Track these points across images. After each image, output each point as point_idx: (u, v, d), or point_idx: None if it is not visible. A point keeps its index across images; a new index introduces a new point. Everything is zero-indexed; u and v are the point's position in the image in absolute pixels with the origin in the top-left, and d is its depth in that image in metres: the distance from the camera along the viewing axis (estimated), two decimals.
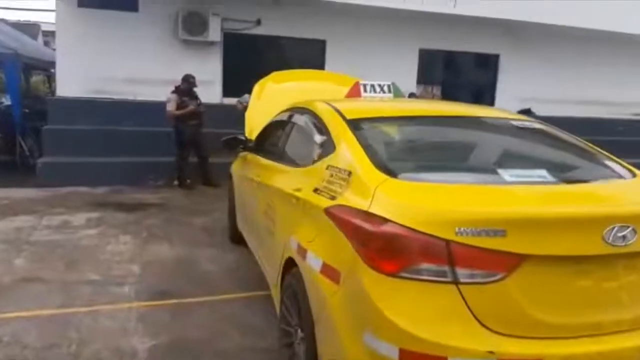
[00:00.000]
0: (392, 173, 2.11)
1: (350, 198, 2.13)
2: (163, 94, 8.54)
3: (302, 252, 2.38)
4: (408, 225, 1.81)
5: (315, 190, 2.48)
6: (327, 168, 2.50)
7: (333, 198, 2.25)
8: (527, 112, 9.56)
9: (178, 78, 8.52)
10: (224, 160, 8.45)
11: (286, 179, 3.03)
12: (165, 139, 8.15)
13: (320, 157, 2.69)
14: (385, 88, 3.89)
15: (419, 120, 2.87)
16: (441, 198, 1.94)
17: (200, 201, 7.05)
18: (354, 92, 3.86)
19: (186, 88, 7.78)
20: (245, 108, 8.95)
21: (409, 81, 10.36)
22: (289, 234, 2.68)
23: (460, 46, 10.91)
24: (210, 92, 9.12)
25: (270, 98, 5.11)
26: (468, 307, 1.75)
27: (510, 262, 1.76)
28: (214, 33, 9.12)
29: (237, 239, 4.97)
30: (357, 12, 9.58)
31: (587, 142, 2.84)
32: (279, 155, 3.50)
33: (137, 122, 8.62)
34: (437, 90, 11.10)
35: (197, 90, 8.03)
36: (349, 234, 1.99)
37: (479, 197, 1.98)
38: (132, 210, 6.37)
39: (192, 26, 8.98)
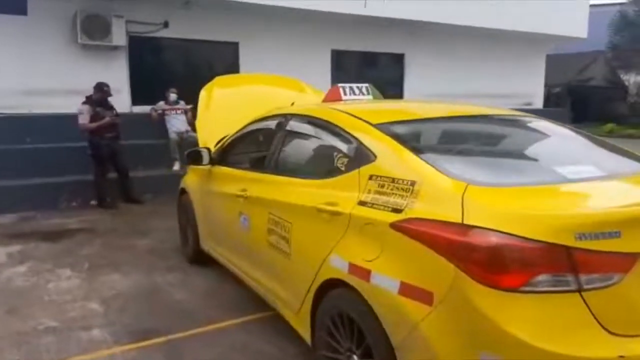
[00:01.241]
0: (464, 179, 2.01)
1: (428, 210, 1.99)
2: (64, 105, 7.77)
3: (361, 272, 2.19)
4: (522, 235, 1.72)
5: (362, 203, 2.30)
6: (370, 178, 2.33)
7: (398, 211, 2.10)
8: None
9: (80, 87, 7.76)
10: (146, 174, 7.90)
11: (302, 192, 2.79)
12: (74, 155, 7.37)
13: (351, 166, 2.51)
14: (364, 90, 3.80)
15: (446, 122, 2.81)
16: (542, 203, 1.88)
17: (131, 221, 6.42)
18: (333, 96, 3.70)
19: (100, 98, 7.06)
20: (160, 116, 8.44)
21: (323, 81, 10.33)
22: (324, 252, 2.47)
23: (369, 46, 11.19)
24: (117, 100, 8.32)
25: (222, 106, 4.80)
26: (592, 314, 1.71)
27: (626, 262, 1.74)
28: (118, 37, 8.40)
29: (199, 260, 4.59)
30: (269, 14, 9.38)
31: (589, 135, 2.97)
32: (273, 167, 3.24)
33: (38, 138, 7.69)
34: None
35: None
36: (444, 250, 1.85)
37: (574, 198, 1.95)
38: (57, 239, 5.62)
39: (92, 29, 8.19)
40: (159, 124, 8.50)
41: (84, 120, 6.88)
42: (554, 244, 1.70)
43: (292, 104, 4.65)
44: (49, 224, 6.32)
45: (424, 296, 1.91)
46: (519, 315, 1.71)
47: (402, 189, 2.14)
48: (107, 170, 7.17)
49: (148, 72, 9.15)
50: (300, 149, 3.20)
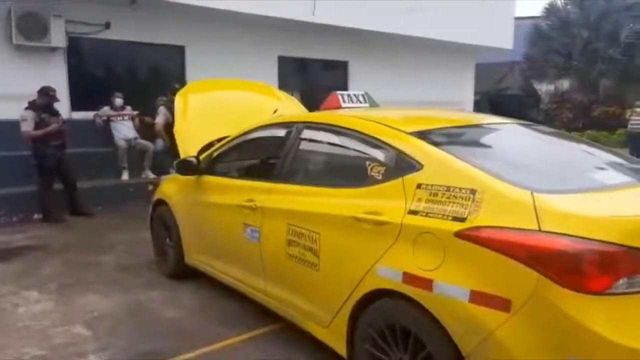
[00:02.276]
0: (527, 187, 2.06)
1: (496, 218, 2.02)
2: None
3: (421, 281, 2.18)
4: (605, 239, 1.80)
5: (413, 212, 2.30)
6: (418, 187, 2.34)
7: (460, 220, 2.11)
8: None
9: (13, 91, 7.20)
10: (92, 185, 7.41)
11: (329, 202, 2.74)
12: (11, 165, 6.80)
13: (390, 175, 2.50)
14: (361, 98, 3.82)
15: (475, 129, 2.87)
16: (609, 208, 1.97)
17: (85, 236, 5.98)
18: (332, 103, 3.68)
19: (44, 103, 6.53)
20: (105, 122, 7.95)
21: None
22: (367, 263, 2.44)
23: (315, 53, 11.24)
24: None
25: (199, 112, 4.62)
26: None
27: None
28: (57, 37, 7.83)
29: (181, 275, 4.38)
30: (216, 18, 9.15)
31: (588, 141, 3.17)
32: (288, 176, 3.15)
33: None
34: (297, 95, 11.25)
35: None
36: (524, 257, 1.88)
37: (629, 202, 2.06)
38: (7, 258, 5.13)
39: (29, 29, 7.57)
40: (103, 131, 8.01)
41: (27, 127, 6.34)
42: (633, 247, 1.79)
43: (275, 111, 4.59)
44: None
45: (500, 303, 1.94)
46: (605, 317, 1.78)
47: (461, 198, 2.16)
48: (52, 181, 6.64)
49: (89, 75, 8.63)
50: (322, 158, 3.14)
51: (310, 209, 2.84)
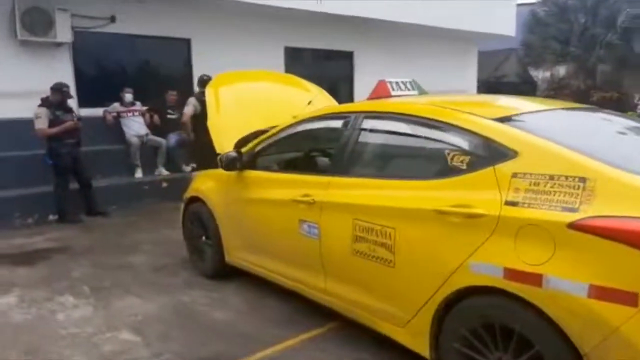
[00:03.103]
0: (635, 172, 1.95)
1: (616, 208, 1.90)
2: (1, 109, 6.89)
3: (528, 277, 2.06)
4: None
5: (512, 203, 2.17)
6: (514, 176, 2.21)
7: (571, 210, 1.99)
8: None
9: (18, 89, 6.97)
10: (106, 183, 7.20)
11: (405, 195, 2.60)
12: (23, 165, 6.59)
13: (478, 165, 2.36)
14: (409, 85, 3.68)
15: (558, 114, 2.75)
16: None
17: (107, 237, 5.80)
18: (381, 91, 3.55)
19: (58, 100, 6.31)
20: (115, 119, 7.73)
21: None
22: (456, 259, 2.32)
23: (320, 44, 11.06)
24: None
25: (232, 105, 4.44)
26: None
27: None
28: (63, 32, 7.57)
29: (220, 274, 4.23)
30: (222, 9, 8.95)
31: None
32: (350, 170, 3.01)
33: None
34: None
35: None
36: None
37: None
38: (31, 261, 4.94)
39: (34, 24, 7.30)
40: (113, 127, 7.80)
41: (42, 124, 6.12)
42: None
43: (309, 102, 4.44)
44: (10, 244, 5.54)
45: (625, 297, 1.82)
46: None
47: (569, 187, 2.04)
48: (68, 180, 6.43)
49: (95, 71, 8.41)
50: (389, 149, 2.99)
51: (381, 203, 2.70)
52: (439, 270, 2.40)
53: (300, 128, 3.50)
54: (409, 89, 3.63)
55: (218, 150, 4.18)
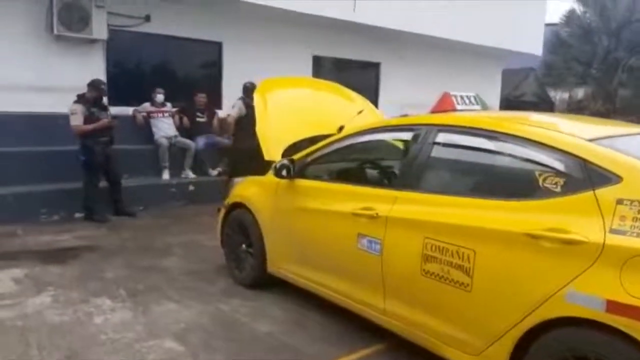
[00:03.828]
0: None
1: None
2: (33, 103, 6.87)
3: (635, 311, 1.92)
4: None
5: (618, 232, 2.04)
6: (620, 203, 2.07)
7: None
8: (404, 117, 10.06)
9: (52, 83, 6.93)
10: (134, 183, 7.10)
11: (487, 215, 2.47)
12: (52, 161, 6.54)
13: (574, 187, 2.23)
14: (473, 99, 3.57)
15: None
16: None
17: (137, 237, 5.69)
18: (446, 104, 3.44)
19: (94, 96, 6.23)
20: (145, 119, 7.65)
21: None
22: (549, 287, 2.18)
23: (348, 54, 10.99)
24: None
25: (280, 111, 4.36)
26: None
27: None
28: (99, 29, 7.51)
29: (260, 284, 4.10)
30: (254, 14, 8.87)
31: None
32: (422, 185, 2.87)
33: (5, 141, 6.66)
34: None
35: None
36: None
37: None
38: (61, 259, 4.83)
39: (71, 20, 7.25)
40: (143, 127, 7.72)
41: (77, 121, 6.04)
42: None
43: (360, 112, 4.34)
44: (38, 241, 5.44)
45: None
46: None
47: None
48: (99, 178, 6.34)
49: (127, 69, 8.34)
50: (468, 166, 2.86)
51: (458, 222, 2.57)
52: (525, 297, 2.26)
53: (360, 139, 3.38)
54: (472, 103, 3.51)
55: (266, 157, 4.07)
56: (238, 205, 4.28)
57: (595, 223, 2.11)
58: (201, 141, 7.87)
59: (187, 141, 7.77)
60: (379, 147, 3.55)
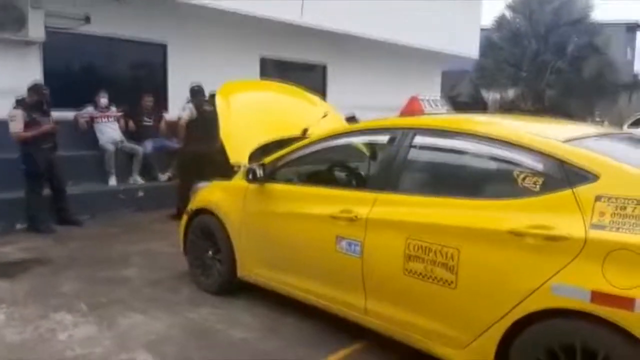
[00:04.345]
0: None
1: None
2: None
3: (618, 300, 2.04)
4: None
5: (598, 227, 2.16)
6: (598, 200, 2.20)
7: None
8: (352, 118, 10.17)
9: None
10: (78, 191, 6.74)
11: (469, 214, 2.55)
12: None
13: (553, 186, 2.35)
14: (438, 103, 3.67)
15: (617, 138, 2.78)
16: None
17: (87, 248, 5.42)
18: (413, 107, 3.52)
19: (35, 101, 5.88)
20: (88, 123, 7.28)
21: None
22: (534, 281, 2.28)
23: (296, 56, 10.99)
24: None
25: (244, 115, 4.33)
26: None
27: None
28: (36, 30, 7.10)
29: (227, 290, 4.03)
30: (200, 15, 8.69)
31: None
32: (400, 186, 2.92)
33: None
34: None
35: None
36: None
37: None
38: (9, 274, 4.53)
39: (6, 20, 6.81)
40: (86, 132, 7.36)
41: (17, 128, 5.67)
42: None
43: (325, 115, 4.37)
44: None
45: None
46: None
47: None
48: (43, 186, 5.99)
49: (66, 72, 7.91)
50: (448, 167, 2.93)
51: (442, 222, 2.63)
52: (511, 292, 2.35)
53: (334, 142, 3.40)
54: (439, 107, 3.61)
55: (232, 161, 4.03)
56: (202, 211, 4.17)
57: (576, 219, 2.22)
58: (149, 145, 7.62)
59: (135, 146, 7.50)
60: (354, 150, 3.57)
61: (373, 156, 3.23)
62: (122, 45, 8.43)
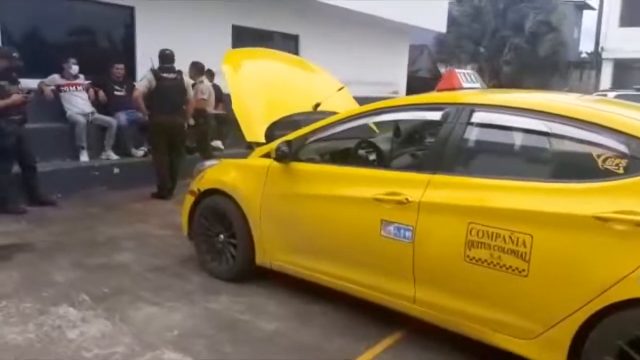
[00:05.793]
0: None
1: None
2: None
3: None
4: None
5: None
6: None
7: None
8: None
9: None
10: (47, 168, 6.18)
11: (543, 199, 2.41)
12: None
13: (636, 170, 2.24)
14: (473, 77, 3.51)
15: None
16: None
17: (71, 230, 4.98)
18: (452, 82, 3.34)
19: (4, 68, 5.27)
20: (53, 92, 6.64)
21: (221, 59, 9.40)
22: (619, 269, 2.18)
23: (268, 25, 10.56)
24: None
25: (256, 87, 4.01)
26: None
27: None
28: None
29: (244, 277, 3.78)
30: None
31: None
32: (458, 168, 2.76)
33: None
34: None
35: None
36: None
37: None
38: None
39: None
40: (51, 103, 6.74)
41: None
42: None
43: (341, 88, 4.14)
44: None
45: None
46: None
47: None
48: (12, 162, 5.43)
49: (26, 36, 7.22)
50: (516, 148, 2.76)
51: (512, 206, 2.48)
52: (593, 280, 2.25)
53: (374, 119, 3.16)
54: (473, 82, 3.44)
55: (248, 139, 3.72)
56: (213, 192, 3.86)
57: None
58: (123, 117, 7.08)
59: (108, 118, 6.95)
60: (401, 128, 3.35)
61: (422, 134, 3.03)
62: (86, 8, 7.75)
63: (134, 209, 5.87)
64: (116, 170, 6.77)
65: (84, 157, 6.66)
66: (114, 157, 6.93)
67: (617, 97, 12.32)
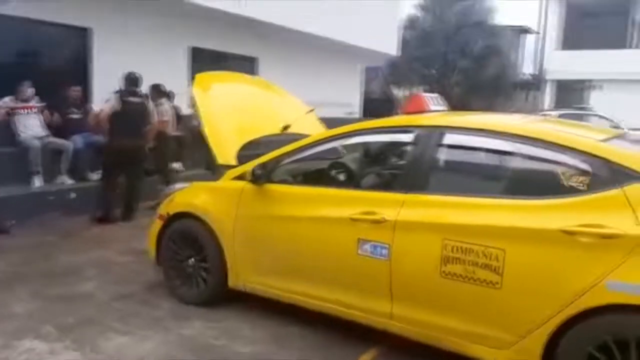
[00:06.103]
0: None
1: None
2: None
3: None
4: None
5: None
6: None
7: None
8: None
9: None
10: (4, 194, 5.92)
11: (517, 215, 2.54)
12: None
13: (601, 186, 2.41)
14: (438, 100, 3.66)
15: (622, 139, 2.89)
16: None
17: (27, 259, 4.76)
18: (418, 105, 3.46)
19: None
20: (8, 113, 6.39)
21: (180, 77, 9.32)
22: (586, 279, 2.33)
23: (227, 47, 10.59)
24: None
25: (226, 110, 4.03)
26: None
27: None
28: None
29: (214, 301, 3.73)
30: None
31: None
32: (425, 187, 2.85)
33: None
34: None
35: None
36: None
37: None
38: None
39: None
40: (3, 126, 6.49)
41: None
42: None
43: (310, 111, 4.24)
44: None
45: None
46: None
47: None
48: None
49: None
50: (486, 167, 2.88)
51: (484, 222, 2.59)
52: (563, 290, 2.38)
53: (348, 141, 3.24)
54: (440, 105, 3.59)
55: (220, 162, 3.72)
56: (183, 215, 3.82)
57: (627, 217, 2.29)
58: (79, 141, 6.89)
59: (63, 141, 6.74)
60: (373, 149, 3.44)
61: (394, 156, 3.12)
62: (42, 29, 7.54)
63: (92, 235, 5.70)
64: (72, 195, 6.55)
65: (37, 182, 6.41)
66: (69, 181, 6.70)
67: (561, 116, 13.06)
